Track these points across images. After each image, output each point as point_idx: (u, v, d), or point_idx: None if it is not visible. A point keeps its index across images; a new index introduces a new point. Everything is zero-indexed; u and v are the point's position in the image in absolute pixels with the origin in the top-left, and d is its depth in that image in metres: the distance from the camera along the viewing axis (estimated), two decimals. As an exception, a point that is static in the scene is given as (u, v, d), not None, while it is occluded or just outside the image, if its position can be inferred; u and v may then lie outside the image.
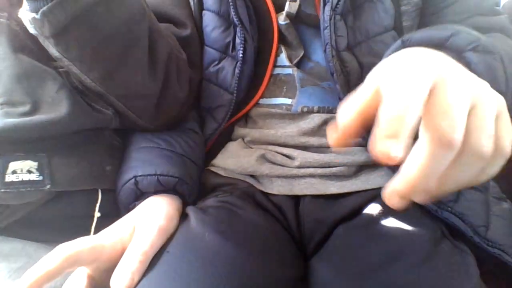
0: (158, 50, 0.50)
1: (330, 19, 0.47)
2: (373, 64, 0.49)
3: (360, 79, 0.49)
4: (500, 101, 0.27)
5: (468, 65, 0.32)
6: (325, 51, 0.49)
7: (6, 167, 0.41)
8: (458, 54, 0.33)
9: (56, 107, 0.44)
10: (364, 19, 0.50)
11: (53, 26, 0.38)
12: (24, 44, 0.45)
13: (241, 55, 0.53)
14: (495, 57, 0.32)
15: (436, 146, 0.23)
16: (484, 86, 0.27)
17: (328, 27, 0.48)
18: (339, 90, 0.50)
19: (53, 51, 0.42)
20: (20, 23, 0.44)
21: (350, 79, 0.49)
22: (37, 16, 0.37)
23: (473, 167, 0.25)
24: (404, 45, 0.38)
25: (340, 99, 0.51)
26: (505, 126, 0.26)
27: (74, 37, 0.40)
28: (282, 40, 0.55)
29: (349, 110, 0.26)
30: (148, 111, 0.52)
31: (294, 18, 0.53)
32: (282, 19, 0.53)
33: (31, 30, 0.40)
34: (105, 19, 0.41)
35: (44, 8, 0.37)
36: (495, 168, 0.26)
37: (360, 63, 0.50)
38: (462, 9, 0.53)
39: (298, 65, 0.55)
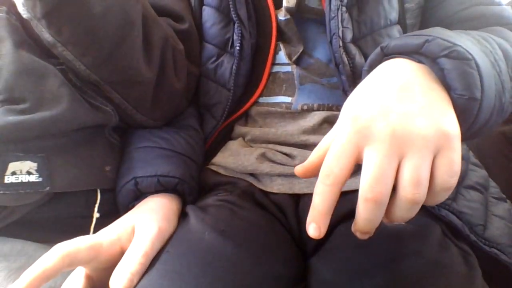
0: (153, 36, 0.49)
1: (338, 9, 0.48)
2: None
3: None
4: (442, 137, 0.29)
5: (441, 71, 0.33)
6: (330, 42, 0.50)
7: (6, 168, 0.40)
8: (432, 60, 0.34)
9: (56, 104, 0.43)
10: (369, 11, 0.50)
11: (45, 4, 0.38)
12: (24, 39, 0.44)
13: (238, 50, 0.53)
14: (469, 64, 0.32)
15: (365, 203, 0.28)
16: (421, 129, 0.29)
17: (335, 17, 0.49)
18: (344, 82, 0.50)
19: (46, 36, 0.41)
20: (19, 17, 0.43)
21: (355, 71, 0.49)
22: None
23: (410, 209, 0.29)
24: (383, 51, 0.38)
25: (344, 91, 0.50)
26: (444, 162, 0.28)
27: (66, 16, 0.40)
28: (281, 37, 0.55)
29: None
30: (144, 101, 0.51)
31: (294, 13, 0.53)
32: (282, 15, 0.53)
33: (24, 14, 0.40)
34: None
35: None
36: (442, 197, 0.30)
37: (365, 55, 0.50)
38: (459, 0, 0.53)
39: (297, 62, 0.55)
